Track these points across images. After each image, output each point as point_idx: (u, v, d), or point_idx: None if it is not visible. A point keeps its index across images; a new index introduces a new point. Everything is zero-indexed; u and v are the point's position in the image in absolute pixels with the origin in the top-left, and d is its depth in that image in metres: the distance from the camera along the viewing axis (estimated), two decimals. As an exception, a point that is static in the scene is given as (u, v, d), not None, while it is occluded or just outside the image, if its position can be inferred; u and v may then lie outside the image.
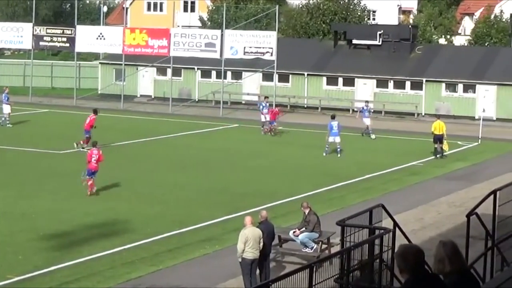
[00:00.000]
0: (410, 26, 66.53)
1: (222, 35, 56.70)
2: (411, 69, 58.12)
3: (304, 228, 22.10)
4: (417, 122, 54.77)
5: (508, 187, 15.88)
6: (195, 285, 20.07)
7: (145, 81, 63.68)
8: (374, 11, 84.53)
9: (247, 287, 19.17)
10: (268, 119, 46.79)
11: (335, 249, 20.72)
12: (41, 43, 61.16)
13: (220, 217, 26.61)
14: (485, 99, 55.01)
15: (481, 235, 15.55)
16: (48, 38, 60.59)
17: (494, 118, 54.89)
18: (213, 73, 61.36)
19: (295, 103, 59.59)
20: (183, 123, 51.00)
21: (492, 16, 75.36)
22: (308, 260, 20.56)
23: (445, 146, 40.43)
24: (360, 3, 73.52)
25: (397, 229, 15.62)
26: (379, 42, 60.12)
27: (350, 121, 49.06)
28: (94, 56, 72.87)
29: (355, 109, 56.60)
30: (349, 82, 59.16)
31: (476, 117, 53.13)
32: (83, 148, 37.80)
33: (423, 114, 56.78)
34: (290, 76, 60.07)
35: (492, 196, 15.05)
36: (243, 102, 61.08)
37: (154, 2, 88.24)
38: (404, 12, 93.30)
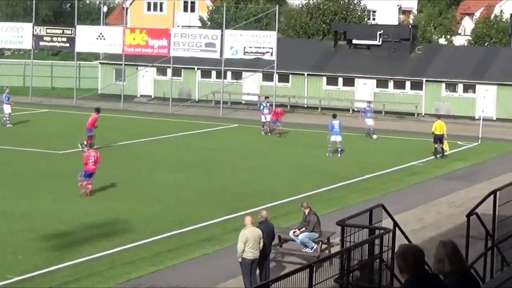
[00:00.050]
0: (410, 26, 66.48)
1: (222, 35, 56.69)
2: (411, 69, 58.11)
3: (304, 228, 22.09)
4: (417, 122, 54.77)
5: (508, 187, 15.88)
6: (195, 285, 20.06)
7: (145, 81, 63.68)
8: (374, 11, 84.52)
9: (247, 287, 19.16)
10: (268, 119, 46.78)
11: (335, 249, 20.71)
12: (41, 43, 61.16)
13: (220, 217, 26.60)
14: (485, 99, 55.00)
15: (481, 235, 15.54)
16: (48, 38, 60.60)
17: (494, 118, 54.89)
18: (213, 73, 61.35)
19: (295, 103, 59.56)
20: (183, 123, 50.99)
21: (492, 16, 75.35)
22: (308, 260, 20.55)
23: (445, 146, 40.47)
24: (360, 3, 73.52)
25: (397, 229, 15.61)
26: (379, 42, 60.10)
27: (350, 121, 49.05)
28: (94, 56, 72.85)
29: (355, 109, 56.67)
30: (349, 82, 59.14)
31: (476, 117, 53.13)
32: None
33: (423, 114, 56.78)
34: (290, 76, 60.06)
35: (492, 196, 15.05)
36: (243, 102, 61.06)
37: (154, 2, 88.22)
38: (404, 12, 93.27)
